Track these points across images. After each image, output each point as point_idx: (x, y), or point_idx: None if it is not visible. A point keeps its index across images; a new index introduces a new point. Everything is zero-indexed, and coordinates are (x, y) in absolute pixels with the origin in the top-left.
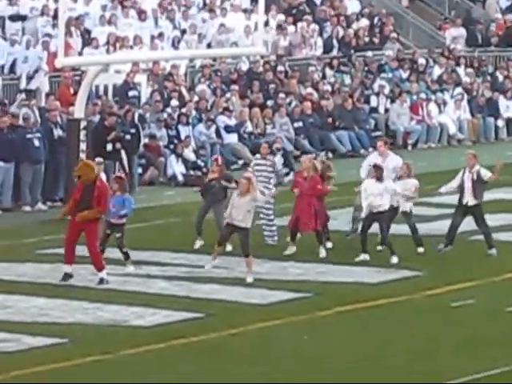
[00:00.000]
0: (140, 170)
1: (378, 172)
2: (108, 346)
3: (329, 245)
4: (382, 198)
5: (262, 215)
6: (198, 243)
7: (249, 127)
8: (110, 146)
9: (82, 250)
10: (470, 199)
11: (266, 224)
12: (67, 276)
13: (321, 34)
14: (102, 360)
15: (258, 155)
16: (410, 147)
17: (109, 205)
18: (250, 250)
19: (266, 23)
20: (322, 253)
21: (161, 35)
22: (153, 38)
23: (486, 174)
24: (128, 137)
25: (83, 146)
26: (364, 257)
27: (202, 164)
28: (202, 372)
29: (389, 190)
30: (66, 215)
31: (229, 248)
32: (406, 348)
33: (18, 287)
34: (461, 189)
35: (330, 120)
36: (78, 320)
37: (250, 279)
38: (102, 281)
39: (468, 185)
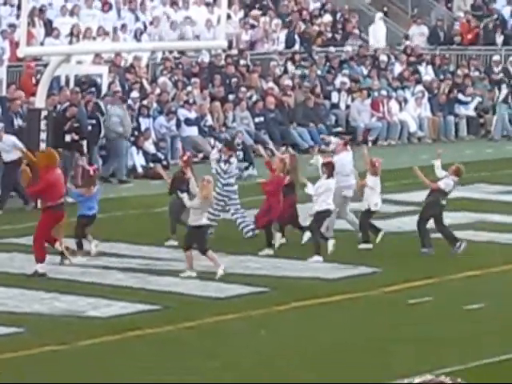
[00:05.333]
0: (101, 162)
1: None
2: (64, 336)
3: (282, 240)
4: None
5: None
6: (171, 242)
7: (209, 120)
8: (68, 137)
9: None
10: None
11: (238, 217)
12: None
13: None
14: (58, 350)
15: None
16: (370, 144)
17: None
18: (207, 246)
19: (229, 17)
20: (266, 252)
21: (123, 27)
22: (115, 29)
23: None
24: (88, 127)
25: (43, 135)
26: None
27: (162, 156)
28: (156, 364)
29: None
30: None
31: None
32: (362, 344)
33: None
34: None
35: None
36: (34, 310)
37: (220, 272)
38: (35, 273)
39: None
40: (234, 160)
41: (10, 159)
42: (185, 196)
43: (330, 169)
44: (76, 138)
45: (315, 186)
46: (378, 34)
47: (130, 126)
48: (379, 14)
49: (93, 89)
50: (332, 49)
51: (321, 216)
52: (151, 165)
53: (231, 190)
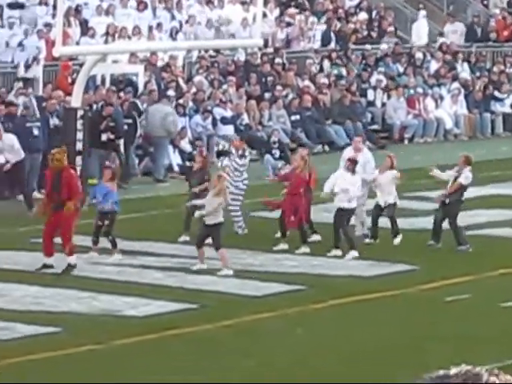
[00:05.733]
0: (137, 161)
1: (351, 165)
2: (101, 335)
3: (317, 237)
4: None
5: (230, 207)
6: (183, 238)
7: (245, 119)
8: (104, 136)
9: (82, 240)
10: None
11: (234, 215)
12: (46, 267)
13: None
14: (94, 350)
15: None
16: (406, 141)
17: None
18: (221, 244)
19: (264, 15)
20: (303, 250)
21: (159, 26)
22: (151, 28)
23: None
24: (125, 127)
25: (80, 135)
26: (336, 252)
27: None
28: (191, 363)
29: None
30: (42, 214)
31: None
32: (399, 342)
33: (13, 276)
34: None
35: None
36: (71, 309)
37: (223, 272)
38: (69, 266)
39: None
40: (248, 153)
41: (15, 160)
42: (198, 202)
43: (354, 165)
44: (112, 137)
45: (345, 183)
46: (420, 31)
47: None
48: (423, 12)
49: (129, 88)
50: (368, 46)
51: (350, 213)
52: (187, 164)
53: (247, 184)
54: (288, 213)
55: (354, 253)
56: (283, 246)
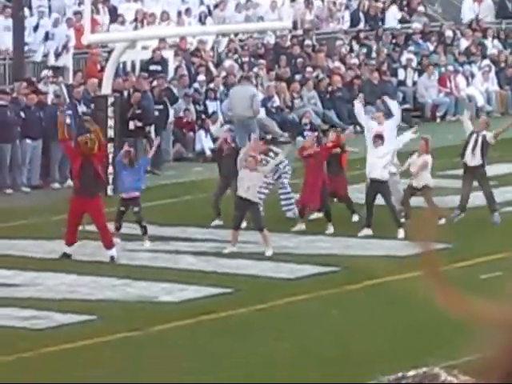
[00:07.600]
0: (171, 146)
1: (378, 139)
2: (137, 322)
3: (355, 218)
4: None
5: (280, 190)
6: (216, 222)
7: (276, 101)
8: (131, 124)
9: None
10: (469, 160)
11: (283, 197)
12: (65, 256)
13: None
14: (130, 336)
15: None
16: (438, 120)
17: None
18: (264, 224)
19: None
20: (330, 229)
21: (188, 11)
22: (180, 13)
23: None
24: (156, 113)
25: (111, 122)
26: (367, 231)
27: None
28: (226, 348)
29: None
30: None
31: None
32: (436, 321)
33: (47, 264)
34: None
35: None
36: (106, 297)
37: (269, 252)
38: (112, 259)
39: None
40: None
41: None
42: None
43: (381, 139)
44: (139, 124)
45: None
46: (466, 8)
47: None
48: None
49: (159, 67)
50: (398, 26)
51: (384, 186)
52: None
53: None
54: (307, 190)
55: (402, 231)
56: (300, 226)
